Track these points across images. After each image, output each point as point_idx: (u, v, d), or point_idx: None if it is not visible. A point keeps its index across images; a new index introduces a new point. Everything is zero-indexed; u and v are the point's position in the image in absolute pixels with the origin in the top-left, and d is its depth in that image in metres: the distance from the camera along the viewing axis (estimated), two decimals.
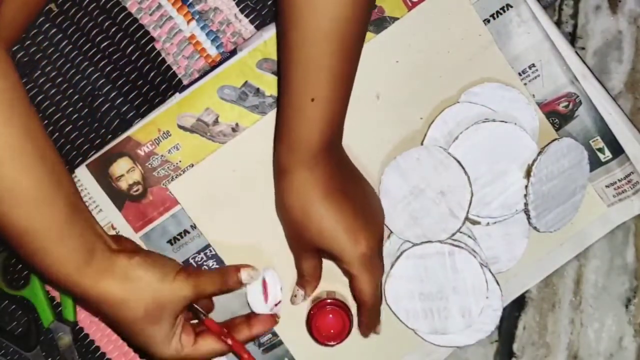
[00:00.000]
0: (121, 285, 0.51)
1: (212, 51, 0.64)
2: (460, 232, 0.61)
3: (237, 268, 0.58)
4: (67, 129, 0.64)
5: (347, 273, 0.56)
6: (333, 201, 0.54)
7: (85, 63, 0.64)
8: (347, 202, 0.54)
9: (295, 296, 0.61)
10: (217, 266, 0.63)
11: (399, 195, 0.60)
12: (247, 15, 0.64)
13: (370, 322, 0.60)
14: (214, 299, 0.62)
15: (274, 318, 0.61)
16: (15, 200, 0.46)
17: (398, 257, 0.61)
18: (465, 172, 0.59)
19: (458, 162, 0.59)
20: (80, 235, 0.50)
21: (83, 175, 0.60)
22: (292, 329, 0.63)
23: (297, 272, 0.61)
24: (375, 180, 0.62)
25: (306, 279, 0.60)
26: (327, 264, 0.62)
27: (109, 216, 0.61)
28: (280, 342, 0.64)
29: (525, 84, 0.62)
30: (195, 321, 0.58)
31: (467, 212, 0.59)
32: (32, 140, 0.47)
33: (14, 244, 0.49)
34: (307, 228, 0.55)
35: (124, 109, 0.64)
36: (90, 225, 0.51)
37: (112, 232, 0.61)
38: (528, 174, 0.59)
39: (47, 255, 0.49)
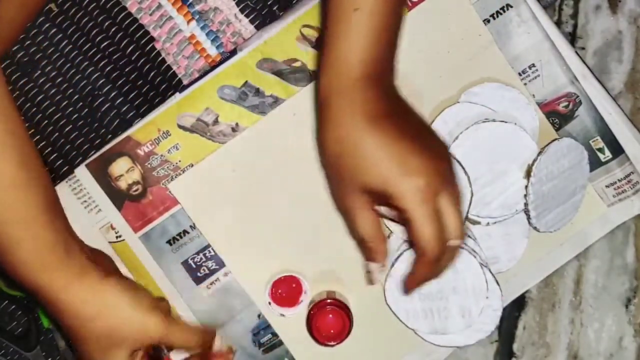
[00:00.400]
0: (92, 296, 0.50)
1: (212, 51, 0.64)
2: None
3: (214, 333, 0.57)
4: (67, 129, 0.64)
5: (403, 215, 0.46)
6: (377, 126, 0.45)
7: (85, 63, 0.64)
8: (394, 128, 0.46)
9: (370, 272, 0.51)
10: (216, 267, 0.62)
11: None
12: (247, 15, 0.64)
13: (425, 276, 0.48)
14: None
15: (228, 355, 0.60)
16: None
17: (398, 257, 0.61)
18: (465, 172, 0.59)
19: (458, 162, 0.59)
20: (57, 230, 0.49)
21: (82, 175, 0.60)
22: (292, 329, 0.63)
23: (357, 242, 0.53)
24: None
25: (370, 244, 0.49)
26: (327, 265, 0.62)
27: (109, 216, 0.61)
28: (281, 342, 0.64)
29: (525, 84, 0.62)
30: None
31: (467, 212, 0.59)
32: (10, 133, 0.46)
33: None
34: (348, 163, 0.46)
35: (124, 109, 0.64)
36: (68, 227, 0.50)
37: (112, 232, 0.61)
38: (528, 174, 0.59)
39: (20, 248, 0.47)
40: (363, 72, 0.47)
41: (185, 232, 0.62)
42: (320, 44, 0.49)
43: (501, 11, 0.61)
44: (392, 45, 0.49)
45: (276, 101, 0.61)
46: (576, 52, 0.60)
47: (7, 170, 0.46)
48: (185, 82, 0.64)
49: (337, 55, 0.47)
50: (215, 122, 0.61)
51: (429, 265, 0.47)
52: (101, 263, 0.53)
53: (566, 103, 0.63)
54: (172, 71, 0.64)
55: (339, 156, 0.47)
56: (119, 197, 0.61)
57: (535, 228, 0.61)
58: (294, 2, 0.64)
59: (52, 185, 0.50)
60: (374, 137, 0.45)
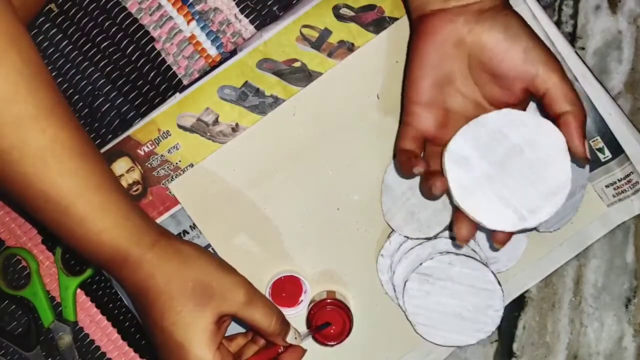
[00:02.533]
0: (175, 257, 0.49)
1: (212, 51, 0.64)
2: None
3: (288, 323, 0.54)
4: None
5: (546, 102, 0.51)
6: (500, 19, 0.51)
7: (86, 63, 0.64)
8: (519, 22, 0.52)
9: (432, 186, 0.52)
10: None
11: (398, 191, 0.60)
12: (247, 16, 0.64)
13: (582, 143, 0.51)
14: None
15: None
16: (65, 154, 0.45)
17: (399, 259, 0.61)
18: None
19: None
20: (124, 199, 0.49)
21: None
22: None
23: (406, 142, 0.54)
24: (378, 178, 0.62)
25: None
26: (327, 265, 0.62)
27: None
28: None
29: None
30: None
31: None
32: (62, 103, 0.46)
33: (62, 208, 0.46)
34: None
35: (124, 109, 0.64)
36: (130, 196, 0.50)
37: None
38: None
39: (98, 218, 0.47)
40: None
41: (185, 232, 0.62)
42: None
43: None
44: None
45: (276, 101, 0.61)
46: (576, 52, 0.60)
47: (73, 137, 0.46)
48: (185, 82, 0.64)
49: None
50: (215, 122, 0.61)
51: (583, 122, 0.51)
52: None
53: None
54: (172, 71, 0.64)
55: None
56: None
57: (535, 228, 0.61)
58: (294, 2, 0.64)
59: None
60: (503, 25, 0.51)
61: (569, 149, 0.51)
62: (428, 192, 0.52)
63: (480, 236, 0.62)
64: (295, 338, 0.54)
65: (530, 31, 0.51)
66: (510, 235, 0.53)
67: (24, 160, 0.44)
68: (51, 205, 0.46)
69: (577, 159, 0.51)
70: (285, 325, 0.53)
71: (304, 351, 0.56)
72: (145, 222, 0.49)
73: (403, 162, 0.53)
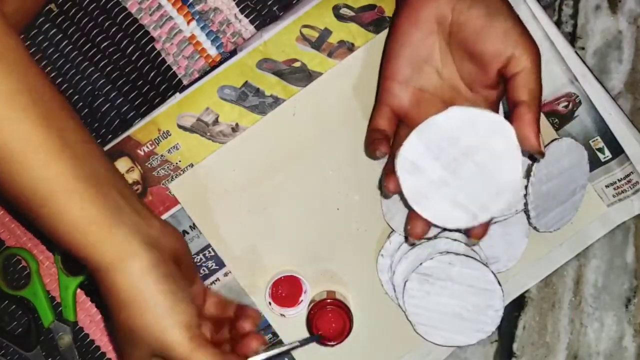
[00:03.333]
0: (127, 287, 0.46)
1: (212, 51, 0.64)
2: (461, 233, 0.61)
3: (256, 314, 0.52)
4: None
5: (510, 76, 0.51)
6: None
7: (85, 63, 0.64)
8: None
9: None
10: (216, 267, 0.62)
11: None
12: (247, 16, 0.64)
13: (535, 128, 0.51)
14: None
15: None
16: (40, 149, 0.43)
17: (400, 259, 0.61)
18: None
19: None
20: (102, 206, 0.46)
21: None
22: (292, 329, 0.63)
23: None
24: (378, 178, 0.62)
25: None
26: (327, 265, 0.62)
27: None
28: (281, 342, 0.64)
29: None
30: None
31: None
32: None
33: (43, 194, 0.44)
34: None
35: (124, 109, 0.64)
36: (121, 203, 0.47)
37: None
38: (528, 174, 0.59)
39: (62, 219, 0.45)
40: None
41: (185, 232, 0.62)
42: None
43: None
44: None
45: (276, 101, 0.61)
46: (576, 52, 0.60)
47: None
48: (185, 82, 0.64)
49: None
50: (215, 122, 0.61)
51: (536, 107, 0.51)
52: (163, 249, 0.48)
53: (566, 103, 0.63)
54: (172, 71, 0.64)
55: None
56: None
57: (535, 228, 0.61)
58: (294, 2, 0.64)
59: (105, 157, 0.48)
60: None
61: (521, 142, 0.50)
62: (384, 190, 0.54)
63: None
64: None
65: (512, 12, 0.51)
66: (485, 229, 0.54)
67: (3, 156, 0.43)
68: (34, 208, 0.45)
69: (531, 152, 0.51)
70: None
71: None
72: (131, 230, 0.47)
73: (371, 142, 0.54)
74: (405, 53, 0.53)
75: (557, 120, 0.63)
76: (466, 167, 0.51)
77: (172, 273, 0.47)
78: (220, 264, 0.62)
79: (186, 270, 0.50)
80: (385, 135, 0.54)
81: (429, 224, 0.54)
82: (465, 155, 0.51)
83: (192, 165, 0.61)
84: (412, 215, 0.54)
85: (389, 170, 0.53)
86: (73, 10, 0.64)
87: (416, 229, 0.54)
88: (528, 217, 0.61)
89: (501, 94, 0.53)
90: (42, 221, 0.45)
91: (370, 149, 0.54)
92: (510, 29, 0.50)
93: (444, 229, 0.54)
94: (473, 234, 0.54)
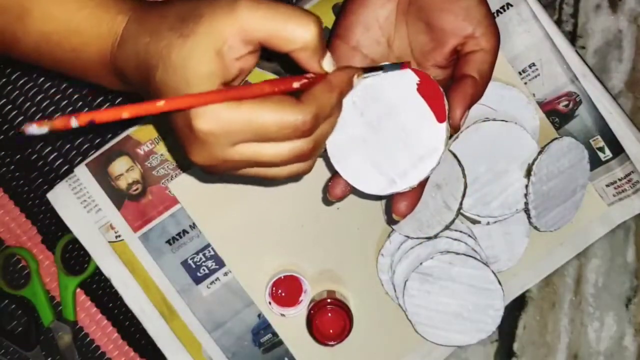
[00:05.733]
0: (157, 7, 0.41)
1: None
2: (461, 232, 0.61)
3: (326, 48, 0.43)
4: None
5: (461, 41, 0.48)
6: None
7: None
8: None
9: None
10: (216, 266, 0.62)
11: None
12: None
13: (472, 100, 0.49)
14: None
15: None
16: None
17: (400, 259, 0.61)
18: (460, 164, 0.58)
19: (453, 154, 0.59)
20: None
21: (82, 174, 0.60)
22: (292, 329, 0.63)
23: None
24: None
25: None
26: (327, 265, 0.62)
27: (108, 215, 0.61)
28: (281, 342, 0.64)
29: (525, 83, 0.62)
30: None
31: (461, 204, 0.59)
32: None
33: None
34: None
35: None
36: None
37: (112, 232, 0.61)
38: (528, 174, 0.59)
39: None
40: None
41: (184, 231, 0.62)
42: None
43: (501, 10, 0.61)
44: None
45: None
46: (576, 51, 0.60)
47: None
48: None
49: None
50: None
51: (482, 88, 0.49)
52: None
53: (566, 102, 0.62)
54: None
55: None
56: (118, 197, 0.61)
57: (535, 227, 0.61)
58: (294, 1, 0.64)
59: None
60: None
61: (448, 108, 0.47)
62: (327, 195, 0.51)
63: (481, 236, 0.62)
64: (334, 64, 0.43)
65: None
66: (410, 207, 0.50)
67: None
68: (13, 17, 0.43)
69: (449, 124, 0.48)
70: (324, 42, 0.42)
71: (351, 70, 0.45)
72: None
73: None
74: (360, 15, 0.50)
75: (557, 119, 0.63)
76: (389, 127, 0.48)
77: None
78: (220, 264, 0.62)
79: None
80: None
81: (349, 187, 0.50)
82: (388, 115, 0.48)
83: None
84: (334, 175, 0.50)
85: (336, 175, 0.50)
86: None
87: (336, 189, 0.50)
88: (528, 217, 0.61)
89: (449, 78, 0.51)
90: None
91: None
92: (474, 7, 0.48)
93: (366, 196, 0.50)
94: (395, 210, 0.50)
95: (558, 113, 0.63)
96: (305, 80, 0.42)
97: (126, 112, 0.36)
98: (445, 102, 0.47)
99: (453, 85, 0.48)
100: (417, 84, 0.47)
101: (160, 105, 0.37)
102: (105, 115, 0.35)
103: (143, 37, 0.40)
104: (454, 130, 0.48)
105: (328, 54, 0.42)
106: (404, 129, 0.47)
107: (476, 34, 0.48)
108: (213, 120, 0.38)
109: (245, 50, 0.40)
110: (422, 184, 0.50)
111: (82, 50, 0.44)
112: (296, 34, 0.39)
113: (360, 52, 0.50)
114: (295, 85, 0.41)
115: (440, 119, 0.47)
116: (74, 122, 0.35)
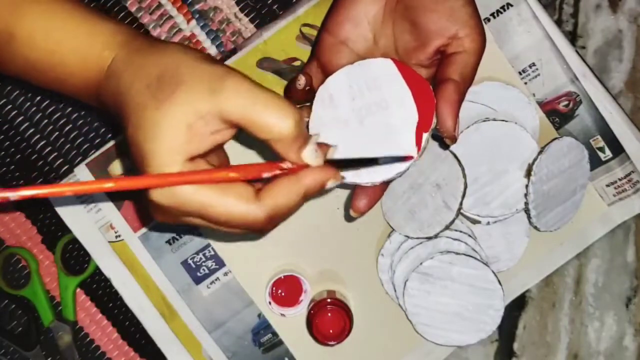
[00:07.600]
0: (148, 49, 0.41)
1: (212, 50, 0.64)
2: (461, 232, 0.61)
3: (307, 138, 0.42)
4: (67, 128, 0.64)
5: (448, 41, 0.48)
6: None
7: None
8: None
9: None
10: (216, 266, 0.62)
11: (399, 191, 0.60)
12: (247, 15, 0.64)
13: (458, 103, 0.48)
14: None
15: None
16: None
17: (400, 259, 0.61)
18: (460, 164, 0.58)
19: (454, 154, 0.59)
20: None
21: (82, 174, 0.60)
22: (292, 329, 0.63)
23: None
24: None
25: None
26: (327, 265, 0.62)
27: (108, 215, 0.61)
28: (281, 342, 0.64)
29: (525, 83, 0.62)
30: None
31: (461, 204, 0.59)
32: None
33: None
34: None
35: None
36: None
37: (112, 232, 0.61)
38: (528, 173, 0.59)
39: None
40: None
41: (185, 232, 0.62)
42: None
43: (501, 10, 0.61)
44: None
45: None
46: (576, 51, 0.60)
47: None
48: None
49: None
50: None
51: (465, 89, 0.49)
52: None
53: (566, 102, 0.62)
54: None
55: None
56: (118, 197, 0.61)
57: (535, 227, 0.61)
58: (294, 1, 0.64)
59: None
60: None
61: (438, 121, 0.47)
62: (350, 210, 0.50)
63: (481, 235, 0.62)
64: (316, 156, 0.41)
65: None
66: (369, 206, 0.49)
67: None
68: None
69: (444, 136, 0.48)
70: (303, 134, 0.40)
71: (330, 171, 0.42)
72: (115, 24, 0.43)
73: (295, 77, 0.51)
74: (351, 11, 0.50)
75: (557, 119, 0.63)
76: (374, 119, 0.48)
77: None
78: (220, 264, 0.62)
79: None
80: (310, 76, 0.51)
81: (374, 200, 0.50)
82: (377, 107, 0.48)
83: None
84: (356, 189, 0.50)
85: (360, 188, 0.49)
86: None
87: (359, 202, 0.49)
88: (528, 217, 0.61)
89: (431, 77, 0.50)
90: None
91: (292, 82, 0.50)
92: (460, 8, 0.48)
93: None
94: (353, 206, 0.49)
95: (558, 113, 0.63)
96: (277, 172, 0.41)
97: (70, 191, 0.35)
98: (435, 115, 0.47)
99: (438, 93, 0.48)
100: (416, 90, 0.47)
101: (109, 186, 0.36)
102: (48, 191, 0.35)
103: (125, 79, 0.40)
104: (452, 141, 0.48)
105: (311, 146, 0.41)
106: (387, 125, 0.47)
107: (460, 35, 0.48)
108: (167, 196, 0.39)
109: (222, 126, 0.39)
110: (383, 187, 0.49)
111: (67, 80, 0.44)
112: (271, 123, 0.39)
113: (347, 46, 0.51)
114: (266, 175, 0.41)
115: (425, 129, 0.47)
116: (13, 197, 0.34)
